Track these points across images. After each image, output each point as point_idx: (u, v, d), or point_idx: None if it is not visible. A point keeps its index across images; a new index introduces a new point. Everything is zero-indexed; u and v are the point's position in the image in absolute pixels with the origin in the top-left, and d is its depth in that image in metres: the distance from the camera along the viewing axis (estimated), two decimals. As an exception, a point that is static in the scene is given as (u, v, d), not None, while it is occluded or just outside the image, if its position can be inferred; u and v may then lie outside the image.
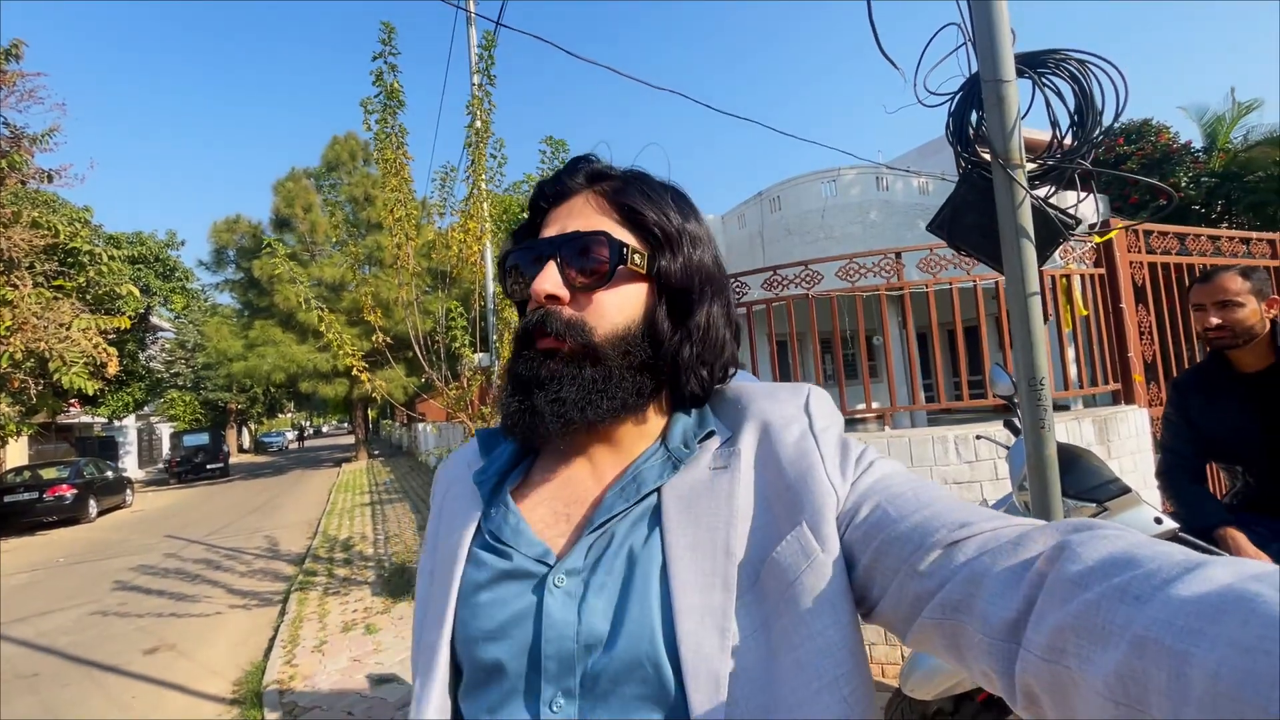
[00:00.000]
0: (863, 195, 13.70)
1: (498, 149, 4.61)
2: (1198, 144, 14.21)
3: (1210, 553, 0.35)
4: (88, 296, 12.14)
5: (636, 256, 0.58)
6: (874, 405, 4.26)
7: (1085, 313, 3.72)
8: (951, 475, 3.30)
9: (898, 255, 3.69)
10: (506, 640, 0.53)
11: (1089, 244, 3.81)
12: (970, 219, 1.59)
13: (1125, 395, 3.87)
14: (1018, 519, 0.46)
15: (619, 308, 0.59)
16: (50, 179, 10.83)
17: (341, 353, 4.38)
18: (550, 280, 0.57)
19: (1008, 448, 2.54)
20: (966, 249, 1.64)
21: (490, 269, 5.78)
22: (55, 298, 10.21)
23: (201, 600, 6.07)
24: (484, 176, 4.47)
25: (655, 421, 0.62)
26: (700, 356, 0.61)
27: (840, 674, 0.48)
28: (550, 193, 0.63)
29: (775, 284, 3.80)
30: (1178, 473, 2.07)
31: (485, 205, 4.60)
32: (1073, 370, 3.96)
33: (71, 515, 12.99)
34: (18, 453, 17.65)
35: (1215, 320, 1.90)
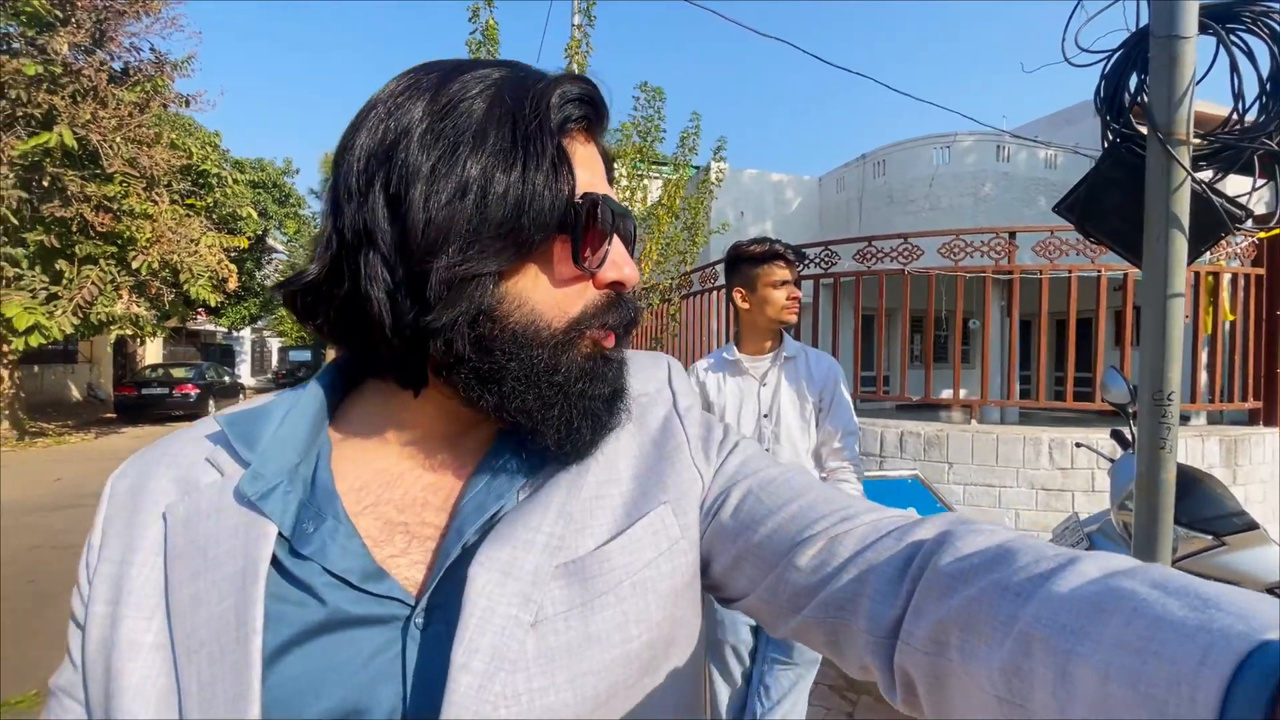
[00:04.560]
0: (978, 165, 12.57)
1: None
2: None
3: None
4: (214, 216, 13.23)
5: None
6: (963, 394, 3.98)
7: (1231, 317, 3.27)
8: (1040, 480, 3.04)
9: (1011, 235, 3.35)
10: (358, 712, 0.38)
11: (1250, 238, 3.31)
12: (1110, 201, 1.38)
13: (1266, 415, 3.41)
14: (892, 510, 0.45)
15: None
16: (187, 104, 11.68)
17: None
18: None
19: (1112, 460, 2.31)
20: (1098, 235, 1.43)
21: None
22: (187, 215, 11.18)
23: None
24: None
25: None
26: None
27: (678, 668, 0.47)
28: (587, 114, 0.46)
29: (869, 256, 3.56)
30: None
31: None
32: (1203, 379, 3.52)
33: (194, 412, 14.56)
34: (154, 352, 19.88)
35: None
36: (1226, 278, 3.26)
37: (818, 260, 3.88)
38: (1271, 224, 3.05)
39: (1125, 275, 3.21)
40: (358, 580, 0.41)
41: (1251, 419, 3.48)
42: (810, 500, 0.46)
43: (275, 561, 0.41)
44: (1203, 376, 3.51)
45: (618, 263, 0.46)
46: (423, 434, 0.48)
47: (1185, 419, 3.63)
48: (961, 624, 0.33)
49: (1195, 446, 3.02)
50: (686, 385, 0.56)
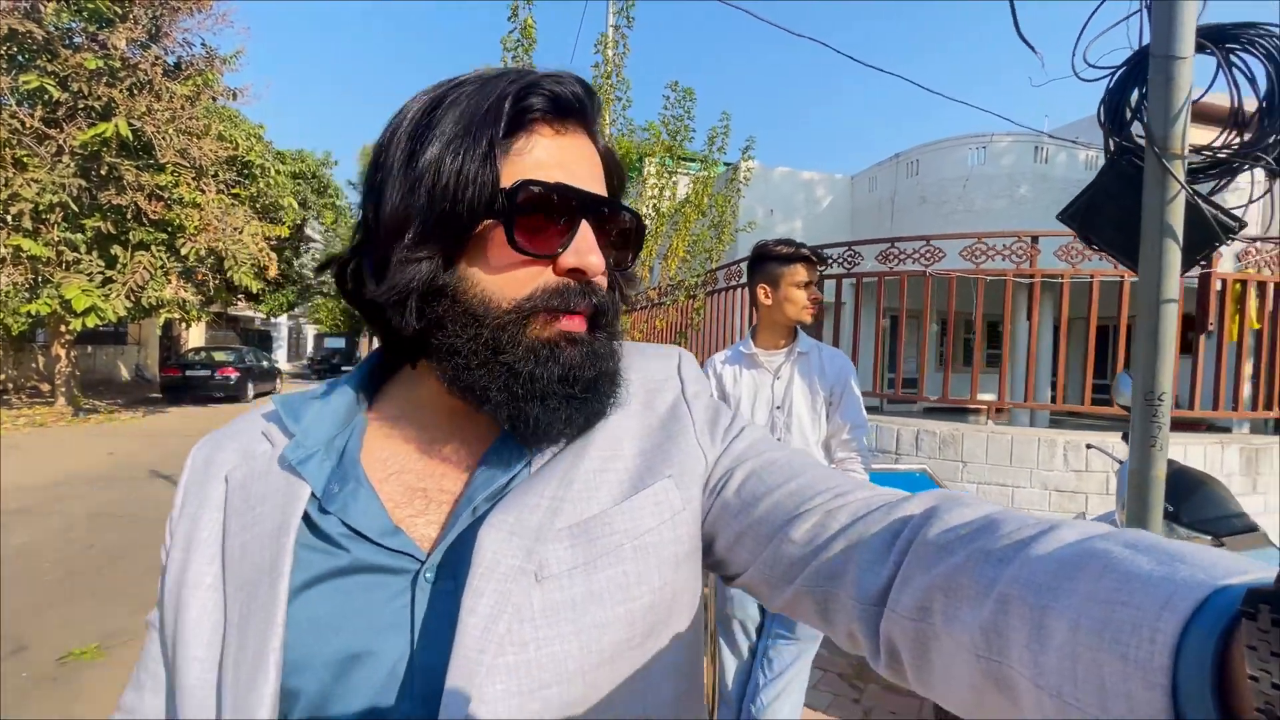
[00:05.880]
0: (1015, 166, 12.32)
1: (624, 92, 4.61)
2: None
3: None
4: (256, 205, 13.69)
5: None
6: (985, 397, 4.00)
7: (1257, 325, 3.25)
8: (1054, 482, 3.08)
9: (1034, 239, 3.37)
10: (362, 656, 0.43)
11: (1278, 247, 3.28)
12: (1110, 210, 1.45)
13: (1290, 425, 3.38)
14: (886, 489, 0.46)
15: None
16: (234, 97, 12.12)
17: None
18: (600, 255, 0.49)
19: (1121, 461, 2.34)
20: (1099, 243, 1.50)
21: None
22: (232, 204, 11.61)
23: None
24: (608, 122, 4.52)
25: None
26: None
27: (679, 634, 0.49)
28: (550, 106, 0.47)
29: (892, 257, 3.61)
30: None
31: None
32: (1246, 390, 3.46)
33: (234, 394, 15.19)
34: (197, 336, 20.67)
35: None
36: (1253, 285, 3.24)
37: (841, 260, 3.94)
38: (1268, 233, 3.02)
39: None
40: (375, 535, 0.46)
41: (1278, 427, 3.45)
42: (809, 479, 0.48)
43: (308, 518, 0.47)
44: (1245, 388, 3.47)
45: (580, 250, 0.47)
46: (441, 410, 0.53)
47: (1227, 428, 3.62)
48: (945, 590, 0.35)
49: (1215, 454, 3.02)
50: (695, 374, 0.59)
